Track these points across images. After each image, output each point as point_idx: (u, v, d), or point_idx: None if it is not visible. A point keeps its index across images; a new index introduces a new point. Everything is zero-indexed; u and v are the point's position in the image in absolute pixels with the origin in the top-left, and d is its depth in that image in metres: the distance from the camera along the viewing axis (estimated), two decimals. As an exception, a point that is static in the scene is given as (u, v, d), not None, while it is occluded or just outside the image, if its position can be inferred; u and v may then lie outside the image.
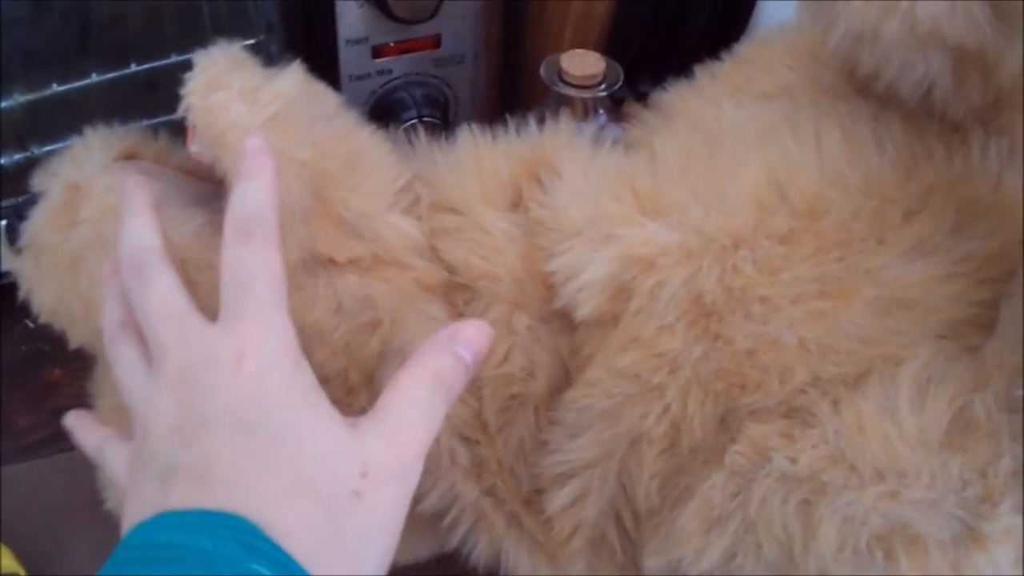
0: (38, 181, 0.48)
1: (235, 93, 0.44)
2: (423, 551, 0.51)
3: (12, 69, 0.52)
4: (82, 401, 0.54)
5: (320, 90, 0.47)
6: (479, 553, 0.47)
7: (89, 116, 0.50)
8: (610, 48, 0.55)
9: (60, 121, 0.50)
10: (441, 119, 0.61)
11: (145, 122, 0.51)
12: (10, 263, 0.48)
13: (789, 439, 0.41)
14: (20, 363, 0.60)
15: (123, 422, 0.51)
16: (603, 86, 0.54)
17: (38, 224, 0.47)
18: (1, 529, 0.51)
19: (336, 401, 0.47)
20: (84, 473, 0.52)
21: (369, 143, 0.46)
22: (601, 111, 0.55)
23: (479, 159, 0.47)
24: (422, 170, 0.47)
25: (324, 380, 0.46)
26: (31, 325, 0.60)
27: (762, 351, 0.41)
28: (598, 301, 0.43)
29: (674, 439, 0.43)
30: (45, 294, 0.47)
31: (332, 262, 0.44)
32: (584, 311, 0.43)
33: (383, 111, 0.61)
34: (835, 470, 0.39)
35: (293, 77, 0.45)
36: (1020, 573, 0.40)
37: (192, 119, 0.44)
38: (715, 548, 0.42)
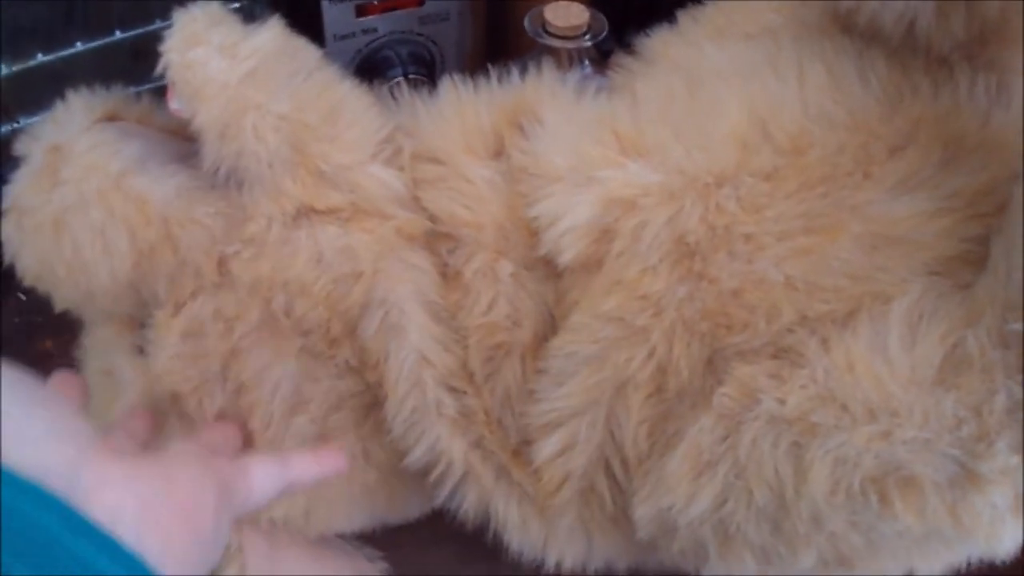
0: (20, 146, 0.48)
1: (214, 49, 0.44)
2: (413, 510, 0.50)
3: (-4, 40, 0.52)
4: (72, 371, 0.54)
5: (300, 45, 0.46)
6: (468, 507, 0.47)
7: (75, 86, 0.50)
8: (595, 2, 0.55)
9: (47, 92, 0.49)
10: (427, 77, 0.61)
11: (132, 90, 0.51)
12: (-6, 227, 0.48)
13: (778, 380, 0.40)
14: (12, 335, 0.61)
15: (110, 386, 0.51)
16: (587, 36, 0.53)
17: (20, 187, 0.47)
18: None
19: (318, 354, 0.47)
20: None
21: (349, 95, 0.46)
22: (586, 62, 0.55)
23: (461, 109, 0.46)
24: (404, 121, 0.47)
25: (305, 333, 0.46)
26: (23, 298, 0.60)
27: (748, 290, 0.40)
28: (581, 245, 0.43)
29: (660, 383, 0.42)
30: (28, 258, 0.47)
31: (313, 211, 0.44)
32: (568, 256, 0.43)
33: (369, 69, 0.61)
34: (825, 410, 0.38)
35: (272, 32, 0.45)
36: (1019, 515, 0.39)
37: (171, 75, 0.44)
38: (705, 494, 0.41)
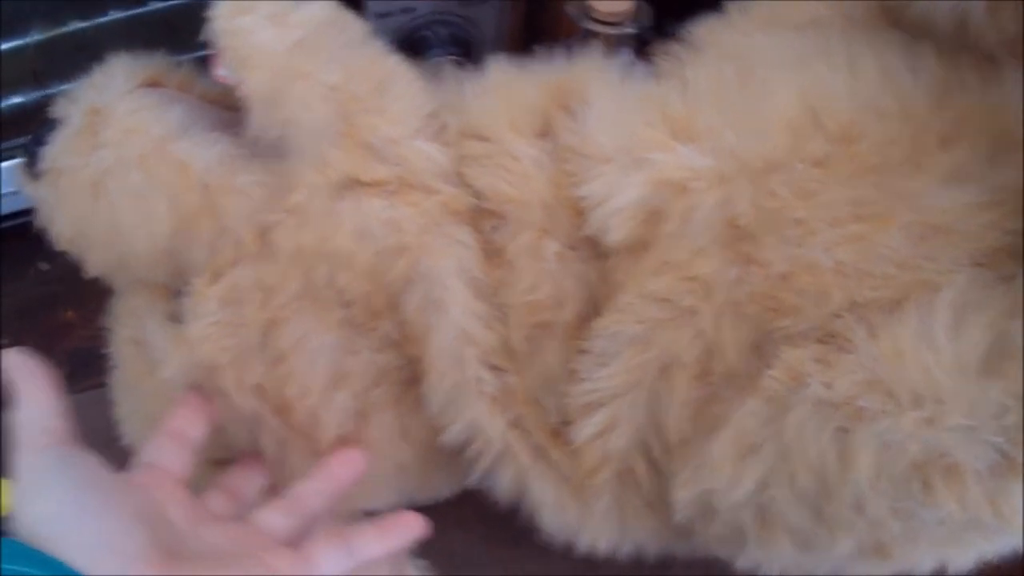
0: (58, 108, 0.47)
1: (263, 16, 0.44)
2: (444, 489, 0.50)
3: (31, 5, 0.51)
4: (95, 342, 0.53)
5: (348, 18, 0.46)
6: (503, 487, 0.46)
7: (106, 55, 0.49)
8: (638, -9, 0.56)
9: (78, 59, 0.49)
10: (465, 58, 0.61)
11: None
12: (30, 189, 0.47)
13: (825, 364, 0.40)
14: (34, 305, 0.60)
15: (139, 355, 0.50)
16: (631, 24, 0.53)
17: (59, 148, 0.46)
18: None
19: (360, 326, 0.46)
20: (99, 412, 0.51)
21: (398, 69, 0.46)
22: (627, 49, 0.55)
23: (508, 88, 0.47)
24: (450, 98, 0.47)
25: (347, 304, 0.46)
26: (44, 267, 0.60)
27: (797, 274, 0.41)
28: (629, 226, 0.43)
29: (706, 365, 0.42)
30: (64, 220, 0.46)
31: (358, 183, 0.44)
32: (615, 236, 0.43)
33: (408, 49, 0.60)
34: (872, 396, 0.38)
35: (321, 4, 0.45)
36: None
37: (219, 42, 0.44)
38: (748, 477, 0.41)
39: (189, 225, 0.44)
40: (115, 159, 0.45)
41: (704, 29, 0.50)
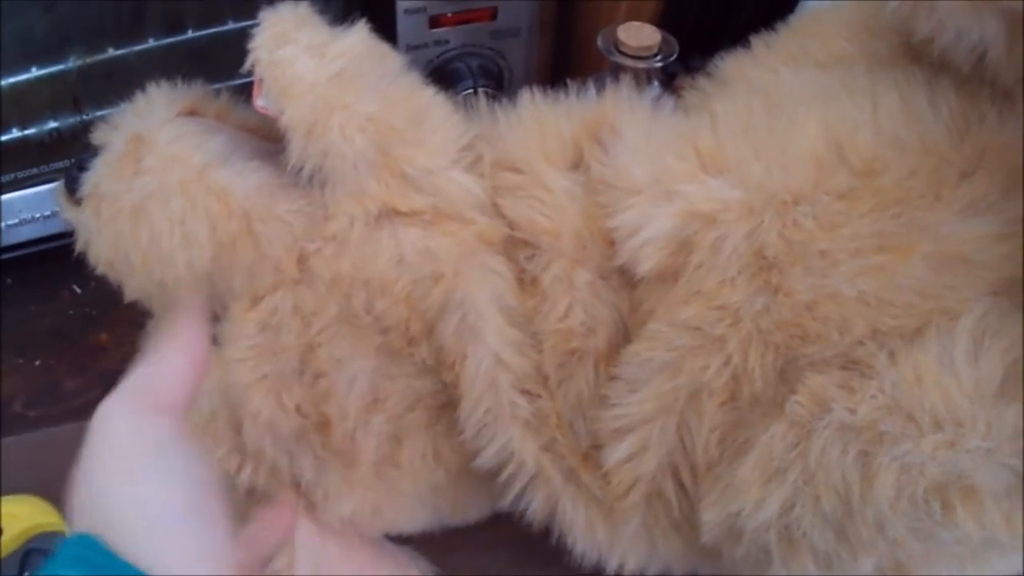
0: (99, 134, 0.48)
1: (302, 48, 0.45)
2: (475, 512, 0.51)
3: (70, 32, 0.52)
4: (128, 364, 0.54)
5: (385, 50, 0.48)
6: (535, 509, 0.48)
7: (143, 82, 0.50)
8: (664, 23, 0.57)
9: (115, 86, 0.50)
10: (496, 90, 0.63)
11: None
12: (69, 214, 0.49)
13: (848, 390, 0.41)
14: (68, 327, 0.61)
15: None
16: (659, 57, 0.55)
17: (100, 174, 0.47)
18: (48, 489, 0.51)
19: (396, 351, 0.47)
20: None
21: (434, 101, 0.47)
22: (655, 83, 0.57)
23: (541, 120, 0.48)
24: (484, 130, 0.48)
25: (384, 331, 0.47)
26: (78, 290, 0.61)
27: (822, 303, 0.42)
28: (660, 256, 0.44)
29: (734, 391, 0.43)
30: (103, 244, 0.47)
31: (396, 212, 0.45)
32: (646, 266, 0.44)
33: (439, 80, 0.61)
34: (893, 420, 0.40)
35: (359, 35, 0.47)
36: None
37: (259, 73, 0.45)
38: (774, 499, 0.42)
39: (229, 251, 0.46)
40: (157, 186, 0.46)
41: (731, 63, 0.51)
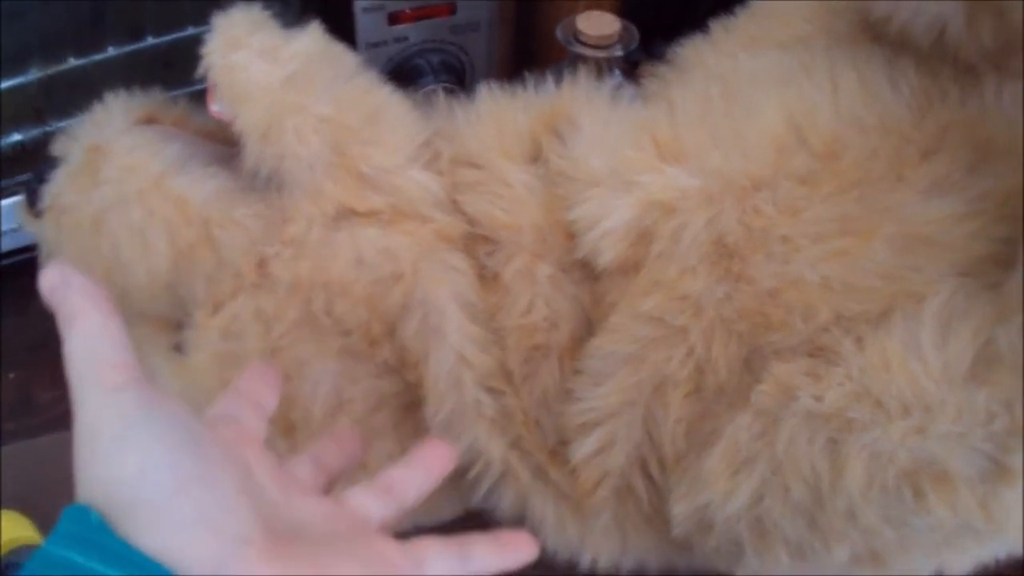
0: (58, 146, 0.48)
1: (255, 52, 0.45)
2: (446, 512, 0.51)
3: (30, 43, 0.52)
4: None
5: (339, 50, 0.47)
6: (504, 507, 0.47)
7: (106, 91, 0.50)
8: (624, 13, 0.56)
9: (77, 96, 0.50)
10: (457, 85, 0.62)
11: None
12: (30, 227, 0.49)
13: (814, 377, 0.41)
14: (40, 340, 0.60)
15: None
16: (619, 46, 0.54)
17: (59, 186, 0.47)
18: (25, 502, 0.51)
19: (359, 353, 0.47)
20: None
21: (390, 100, 0.47)
22: (617, 72, 0.56)
23: (498, 114, 0.47)
24: (442, 126, 0.48)
25: (346, 333, 0.47)
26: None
27: (784, 290, 0.41)
28: (620, 247, 0.43)
29: (699, 382, 0.43)
30: (66, 256, 0.47)
31: (353, 213, 0.44)
32: (606, 258, 0.44)
33: (400, 77, 0.62)
34: (861, 406, 0.39)
35: (312, 36, 0.46)
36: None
37: (213, 78, 0.45)
38: (742, 490, 0.42)
39: (189, 258, 0.45)
40: (115, 196, 0.46)
41: (689, 50, 0.51)
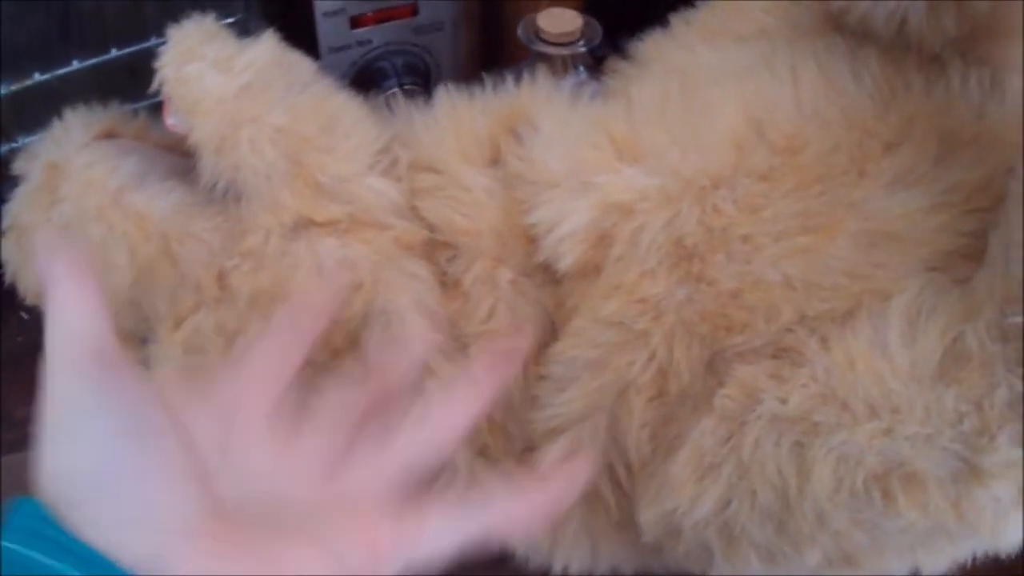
0: (19, 164, 0.48)
1: (209, 63, 0.44)
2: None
3: (-8, 59, 0.52)
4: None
5: (294, 58, 0.47)
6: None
7: (73, 104, 0.50)
8: (589, 8, 0.55)
9: (45, 111, 0.50)
10: (423, 87, 0.62)
11: (129, 107, 0.52)
12: (-6, 247, 0.49)
13: (778, 380, 0.40)
14: (17, 354, 0.61)
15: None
16: (581, 43, 0.53)
17: (19, 205, 0.47)
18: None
19: (320, 365, 0.47)
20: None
21: (346, 107, 0.46)
22: (581, 68, 0.55)
23: (456, 117, 0.47)
24: (400, 132, 0.47)
25: (308, 344, 0.46)
26: (26, 317, 0.61)
27: (746, 291, 0.41)
28: (580, 251, 0.43)
29: (662, 386, 0.42)
30: (30, 276, 0.48)
31: (311, 223, 0.44)
32: (566, 261, 0.43)
33: (364, 81, 0.61)
34: (827, 409, 0.38)
35: (266, 46, 0.46)
36: (1021, 508, 0.39)
37: (167, 91, 0.45)
38: (709, 496, 0.41)
39: (149, 274, 0.45)
40: (74, 213, 0.46)
41: (649, 44, 0.50)
